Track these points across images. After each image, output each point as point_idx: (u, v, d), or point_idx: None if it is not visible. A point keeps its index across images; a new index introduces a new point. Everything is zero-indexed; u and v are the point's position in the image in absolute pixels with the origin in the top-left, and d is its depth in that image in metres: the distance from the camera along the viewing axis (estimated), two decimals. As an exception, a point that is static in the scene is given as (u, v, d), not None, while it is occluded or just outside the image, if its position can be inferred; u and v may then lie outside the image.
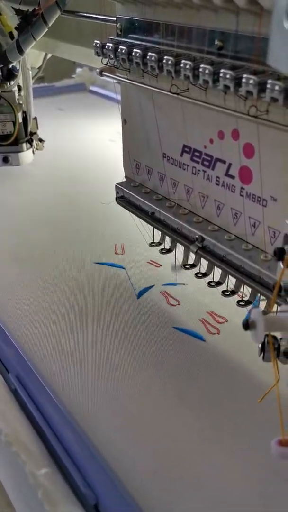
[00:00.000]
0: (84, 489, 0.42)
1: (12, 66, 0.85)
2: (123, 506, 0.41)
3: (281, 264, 0.40)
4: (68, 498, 0.42)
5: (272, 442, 0.36)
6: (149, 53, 0.48)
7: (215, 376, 0.55)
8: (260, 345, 0.41)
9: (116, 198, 0.66)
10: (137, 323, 0.63)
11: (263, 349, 0.41)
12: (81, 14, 0.74)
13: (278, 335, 0.41)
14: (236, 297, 0.55)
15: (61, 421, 0.49)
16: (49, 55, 1.06)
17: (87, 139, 1.24)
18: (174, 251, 0.62)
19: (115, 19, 0.57)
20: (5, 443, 0.47)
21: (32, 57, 1.01)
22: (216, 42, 0.44)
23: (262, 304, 0.54)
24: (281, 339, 0.41)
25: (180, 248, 0.60)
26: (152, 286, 0.69)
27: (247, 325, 0.39)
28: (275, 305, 0.44)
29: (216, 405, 0.52)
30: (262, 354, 0.41)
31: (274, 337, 0.40)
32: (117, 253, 0.77)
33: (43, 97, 1.29)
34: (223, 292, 0.56)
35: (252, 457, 0.46)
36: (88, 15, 0.73)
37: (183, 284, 0.69)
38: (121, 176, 0.68)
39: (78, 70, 1.73)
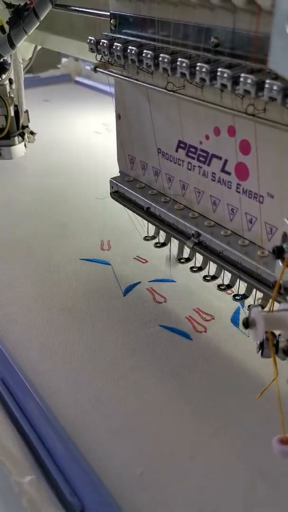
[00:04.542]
0: (70, 496, 0.42)
1: (4, 59, 0.85)
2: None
3: (280, 263, 0.40)
4: (53, 505, 0.42)
5: (273, 441, 0.37)
6: (145, 51, 0.48)
7: (203, 375, 0.55)
8: (258, 342, 0.41)
9: (110, 193, 0.66)
10: (123, 321, 0.62)
11: (261, 346, 0.41)
12: (73, 8, 0.74)
13: (276, 332, 0.41)
14: (222, 294, 0.55)
15: (47, 426, 0.48)
16: (39, 47, 1.06)
17: (75, 131, 1.24)
18: (169, 245, 0.62)
19: (107, 13, 0.57)
20: None
21: (22, 49, 1.00)
22: (212, 39, 0.43)
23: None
24: (279, 335, 0.41)
25: (174, 242, 0.60)
26: (139, 283, 0.69)
27: (247, 323, 0.39)
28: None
29: (204, 404, 0.52)
30: (260, 351, 0.41)
31: (273, 334, 0.41)
32: (103, 249, 0.76)
33: (28, 88, 1.28)
34: (218, 286, 0.56)
35: (241, 457, 0.47)
36: (80, 9, 0.72)
37: (172, 281, 0.69)
38: (111, 171, 0.67)
39: (64, 60, 1.71)
